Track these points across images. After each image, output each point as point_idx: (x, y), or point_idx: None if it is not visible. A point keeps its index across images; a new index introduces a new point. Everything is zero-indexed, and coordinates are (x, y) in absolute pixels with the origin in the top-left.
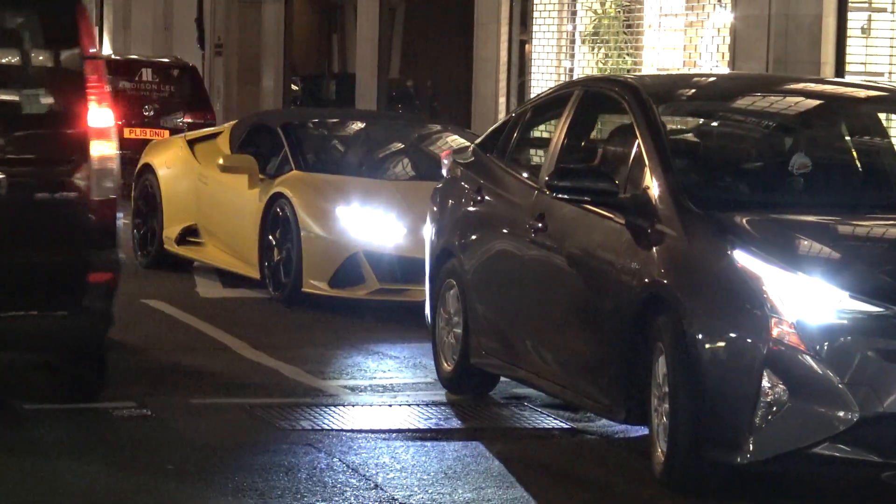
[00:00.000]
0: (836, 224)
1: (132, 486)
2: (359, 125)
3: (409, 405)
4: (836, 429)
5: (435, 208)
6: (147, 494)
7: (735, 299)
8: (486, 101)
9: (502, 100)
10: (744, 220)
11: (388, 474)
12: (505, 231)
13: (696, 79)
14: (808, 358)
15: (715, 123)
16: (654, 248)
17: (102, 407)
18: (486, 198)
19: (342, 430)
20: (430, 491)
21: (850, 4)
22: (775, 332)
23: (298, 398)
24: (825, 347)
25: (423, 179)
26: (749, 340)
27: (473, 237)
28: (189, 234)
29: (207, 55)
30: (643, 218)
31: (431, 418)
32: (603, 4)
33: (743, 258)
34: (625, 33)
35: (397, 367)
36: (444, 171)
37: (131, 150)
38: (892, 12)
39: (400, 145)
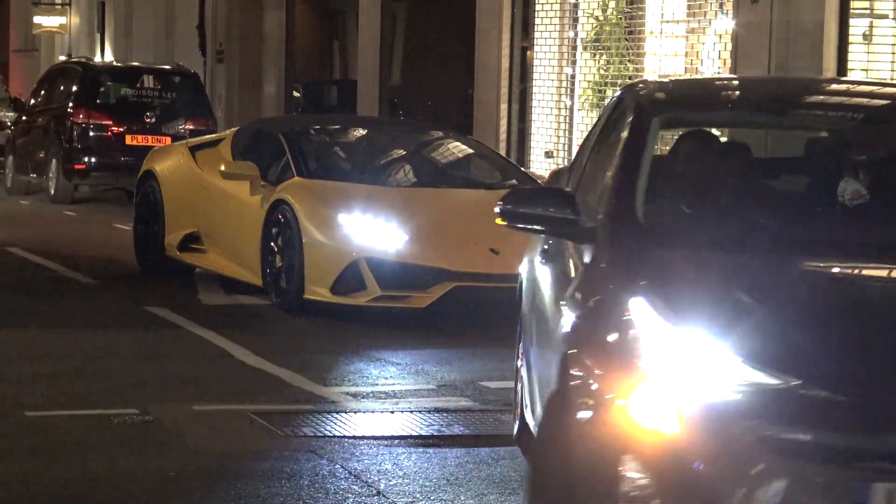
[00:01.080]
0: (808, 270)
1: (134, 492)
2: (360, 132)
3: (411, 412)
4: None
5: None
6: (149, 501)
7: (616, 362)
8: (487, 108)
9: (504, 106)
10: (680, 258)
11: (390, 481)
12: (538, 262)
13: (730, 83)
14: (675, 443)
15: (726, 139)
16: (580, 293)
17: (104, 413)
18: None
19: (344, 436)
20: (432, 498)
21: (851, 11)
22: (639, 406)
23: (300, 405)
24: (698, 430)
25: (425, 186)
26: (613, 417)
27: (530, 268)
28: (191, 241)
29: (209, 62)
30: (590, 252)
31: (433, 425)
32: (604, 11)
33: (636, 306)
34: (626, 39)
35: (399, 373)
36: None
37: (133, 157)
38: (894, 19)
39: (402, 152)
